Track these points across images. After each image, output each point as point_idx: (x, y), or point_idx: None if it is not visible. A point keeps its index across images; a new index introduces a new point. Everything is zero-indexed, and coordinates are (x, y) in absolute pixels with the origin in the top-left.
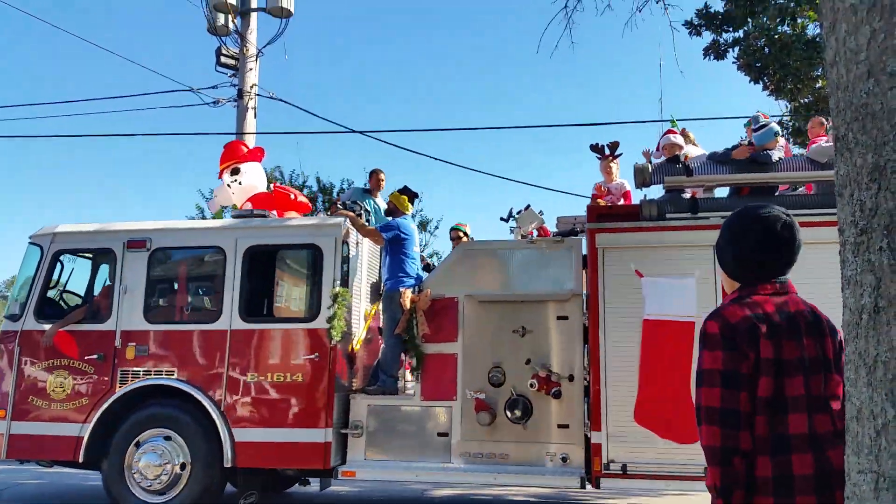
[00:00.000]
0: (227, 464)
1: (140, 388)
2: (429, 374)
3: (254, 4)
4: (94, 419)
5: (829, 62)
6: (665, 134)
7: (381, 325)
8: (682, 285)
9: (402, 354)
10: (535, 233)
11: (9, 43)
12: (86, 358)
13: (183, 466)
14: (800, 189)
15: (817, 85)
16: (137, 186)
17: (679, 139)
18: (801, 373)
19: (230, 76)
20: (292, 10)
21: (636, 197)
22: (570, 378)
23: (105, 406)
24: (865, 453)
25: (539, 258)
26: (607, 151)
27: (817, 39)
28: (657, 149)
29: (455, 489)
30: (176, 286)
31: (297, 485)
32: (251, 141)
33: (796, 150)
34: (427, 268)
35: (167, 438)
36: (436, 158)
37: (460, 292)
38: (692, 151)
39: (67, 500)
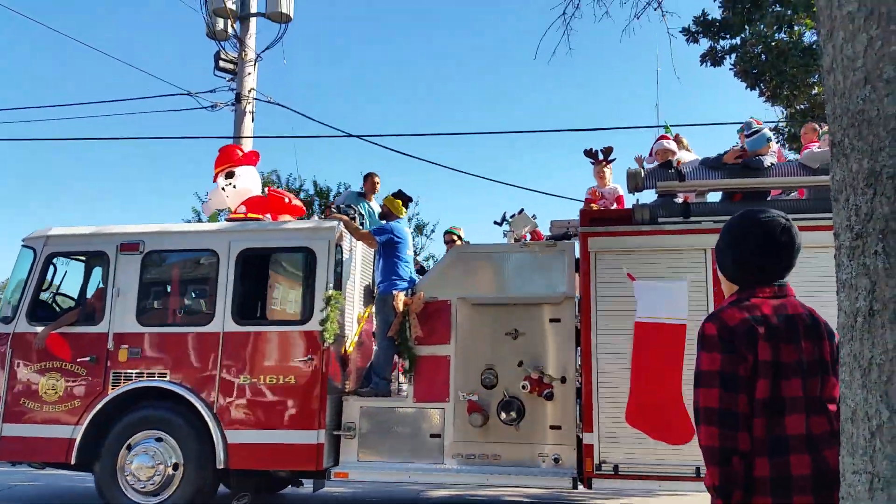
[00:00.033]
0: (220, 465)
1: (132, 391)
2: (421, 376)
3: (253, 9)
4: (87, 421)
5: (827, 69)
6: (658, 139)
7: (374, 327)
8: (674, 288)
9: (396, 357)
10: (529, 236)
11: (8, 44)
12: (78, 360)
13: (176, 468)
14: (792, 194)
15: (813, 91)
16: (134, 189)
17: (672, 145)
18: (798, 375)
19: (228, 80)
20: (292, 15)
21: (629, 201)
22: (563, 380)
23: (97, 408)
24: (860, 454)
25: (532, 261)
26: (601, 156)
27: (814, 47)
28: (650, 154)
29: (451, 490)
30: (169, 289)
31: (290, 486)
32: (249, 145)
33: (792, 156)
34: (421, 271)
35: (158, 440)
36: (432, 162)
37: (453, 295)
38: (685, 157)
39: (63, 502)
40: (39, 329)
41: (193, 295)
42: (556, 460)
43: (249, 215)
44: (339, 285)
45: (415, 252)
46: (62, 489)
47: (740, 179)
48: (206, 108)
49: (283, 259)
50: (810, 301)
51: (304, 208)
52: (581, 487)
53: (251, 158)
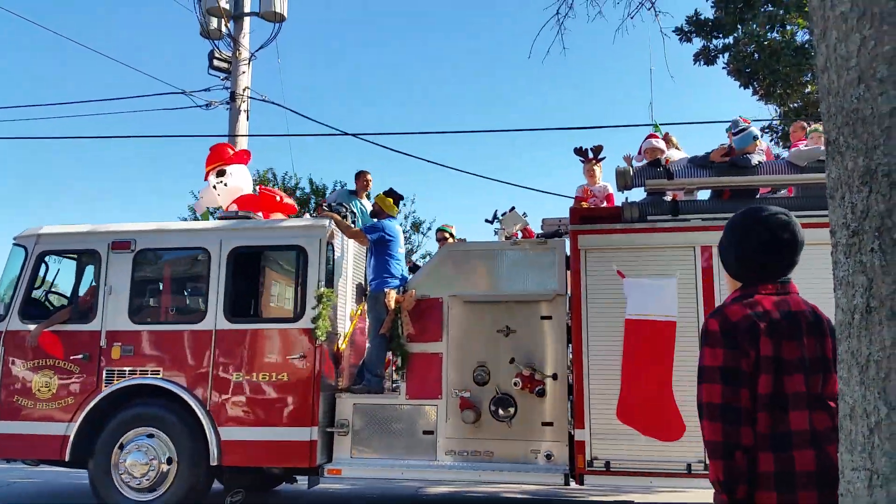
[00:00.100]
0: (214, 462)
1: (126, 388)
2: (414, 373)
3: (247, 9)
4: (80, 418)
5: (821, 68)
6: (647, 138)
7: (366, 325)
8: (663, 286)
9: (389, 354)
10: (520, 234)
11: (7, 44)
12: (71, 358)
13: (169, 464)
14: (781, 192)
15: (806, 90)
16: (129, 188)
17: (660, 143)
18: (801, 371)
19: (223, 79)
20: (286, 14)
21: (619, 200)
22: (554, 377)
23: (91, 405)
24: (859, 451)
25: (523, 259)
26: (591, 155)
27: (806, 46)
28: (639, 152)
29: (448, 487)
30: (161, 287)
31: (284, 483)
32: (244, 143)
33: (785, 154)
34: (413, 268)
35: (152, 437)
36: (428, 161)
37: (445, 293)
38: (675, 155)
39: (61, 499)
40: (32, 327)
41: (185, 293)
42: (549, 457)
43: (240, 213)
44: (330, 283)
45: (412, 250)
46: (61, 486)
47: (728, 178)
48: (200, 106)
49: (274, 257)
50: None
51: (296, 206)
52: (573, 484)
53: (242, 157)
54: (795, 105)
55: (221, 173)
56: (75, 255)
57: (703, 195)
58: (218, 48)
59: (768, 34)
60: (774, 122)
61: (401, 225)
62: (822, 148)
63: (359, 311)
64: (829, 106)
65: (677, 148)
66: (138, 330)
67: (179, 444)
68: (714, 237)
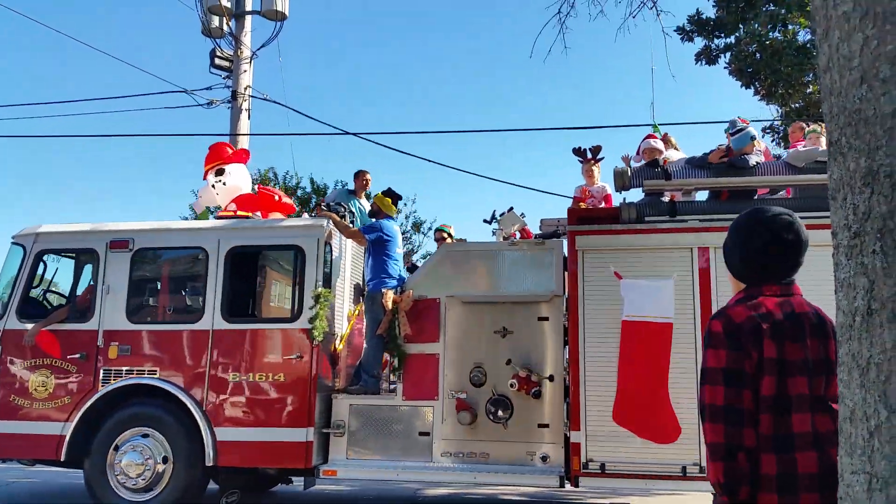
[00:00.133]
0: (209, 462)
1: (123, 388)
2: (411, 374)
3: (248, 7)
4: (77, 418)
5: (823, 68)
6: (645, 138)
7: (363, 325)
8: (660, 287)
9: (386, 355)
10: (518, 235)
11: (6, 43)
12: (68, 357)
13: (165, 464)
14: (780, 193)
15: (808, 90)
16: (129, 188)
17: (659, 144)
18: (804, 373)
19: (224, 78)
20: (287, 13)
21: (617, 200)
22: (551, 378)
23: (87, 405)
24: (858, 454)
25: (520, 260)
26: (589, 155)
27: (808, 45)
28: (637, 153)
29: (447, 489)
30: (159, 286)
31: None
32: (245, 142)
33: (785, 155)
34: (412, 269)
35: (148, 437)
36: (428, 160)
37: (442, 293)
38: (674, 156)
39: (60, 499)
40: (30, 326)
41: (183, 292)
42: (544, 458)
43: (239, 213)
44: (328, 283)
45: (412, 251)
46: (59, 486)
47: (726, 178)
48: (202, 105)
49: (272, 257)
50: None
51: (295, 206)
52: (568, 486)
53: (241, 156)
54: (797, 105)
55: (220, 172)
56: (73, 255)
57: (702, 196)
58: (219, 47)
59: (770, 34)
60: (776, 123)
61: (401, 225)
62: (820, 149)
63: (356, 312)
64: (832, 106)
65: (676, 148)
66: (136, 329)
67: (175, 444)
68: (711, 238)
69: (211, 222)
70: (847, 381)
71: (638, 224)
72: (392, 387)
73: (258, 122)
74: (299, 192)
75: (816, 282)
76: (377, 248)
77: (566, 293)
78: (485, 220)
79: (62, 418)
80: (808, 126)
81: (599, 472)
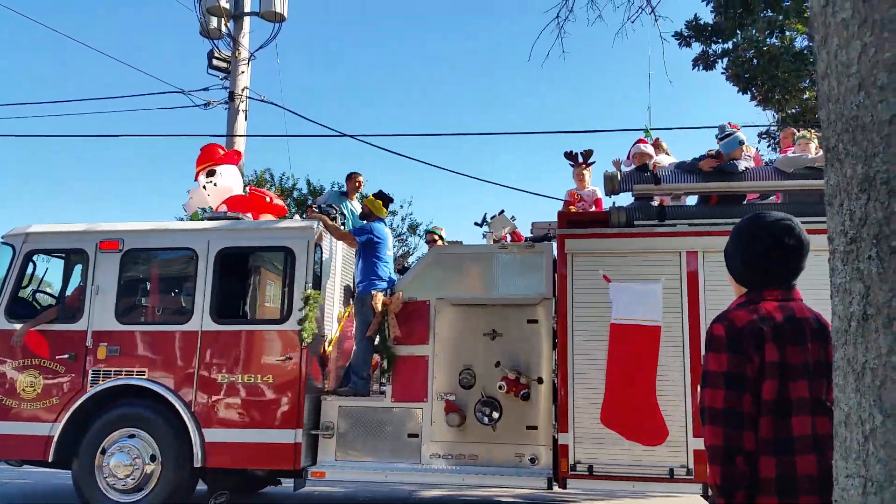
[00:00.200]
0: (197, 464)
1: (111, 388)
2: (400, 376)
3: (247, 8)
4: (65, 419)
5: (821, 74)
6: (636, 143)
7: (353, 327)
8: (649, 290)
9: (376, 356)
10: (509, 237)
11: (5, 43)
12: (57, 358)
13: (153, 464)
14: (770, 198)
15: (804, 96)
16: (129, 188)
17: (649, 149)
18: (805, 377)
19: (222, 79)
20: (286, 14)
21: (607, 204)
22: (539, 380)
23: (76, 406)
24: (853, 458)
25: (510, 263)
26: (581, 159)
27: (805, 52)
28: (628, 157)
29: (440, 490)
30: (148, 287)
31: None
32: (242, 143)
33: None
34: (402, 270)
35: (136, 437)
36: (424, 162)
37: (432, 295)
38: (664, 160)
39: (52, 499)
40: (18, 326)
41: (172, 293)
42: (533, 460)
43: (229, 214)
44: (318, 285)
45: (408, 253)
46: (52, 487)
47: (715, 183)
48: (199, 106)
49: (262, 258)
50: None
51: (286, 207)
52: (556, 487)
53: (232, 157)
54: (794, 111)
55: (211, 173)
56: (63, 255)
57: (692, 200)
58: (217, 48)
59: (767, 40)
60: (772, 128)
61: (397, 227)
62: (808, 155)
63: (346, 313)
64: (829, 113)
65: (667, 153)
66: (125, 330)
67: (164, 445)
68: (700, 242)
69: (200, 223)
70: (842, 385)
71: (627, 228)
72: (381, 389)
73: (255, 124)
74: (295, 194)
75: (808, 286)
76: (367, 250)
77: (556, 296)
78: (476, 223)
79: (50, 419)
80: (798, 132)
81: (587, 473)
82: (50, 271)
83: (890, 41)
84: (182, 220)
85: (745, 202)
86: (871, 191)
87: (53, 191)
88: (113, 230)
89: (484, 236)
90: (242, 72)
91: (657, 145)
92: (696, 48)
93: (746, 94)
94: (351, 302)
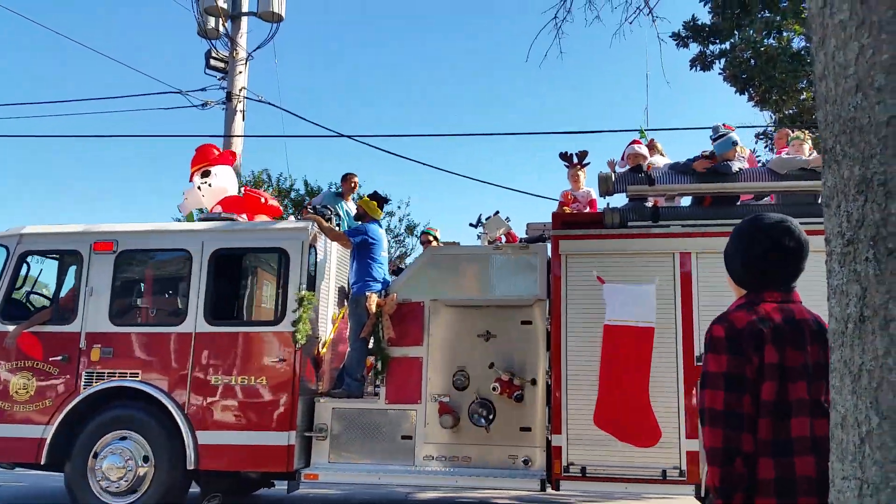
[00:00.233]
0: (191, 466)
1: (105, 390)
2: (394, 377)
3: (245, 9)
4: (58, 421)
5: (819, 76)
6: (630, 144)
7: (347, 328)
8: (643, 292)
9: (371, 358)
10: (504, 238)
11: (5, 43)
12: (50, 359)
13: (146, 461)
14: (764, 199)
15: (802, 97)
16: (129, 188)
17: (643, 149)
18: (804, 379)
19: (219, 79)
20: (283, 14)
21: (602, 205)
22: (533, 382)
23: (69, 408)
24: (850, 460)
25: (505, 264)
26: (575, 160)
27: (802, 52)
28: (622, 158)
29: (438, 492)
30: (142, 288)
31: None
32: (239, 144)
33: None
34: (397, 272)
35: (129, 440)
36: (422, 163)
37: (426, 297)
38: (659, 161)
39: (51, 500)
40: (11, 328)
41: (166, 295)
42: (526, 462)
43: (223, 215)
44: (312, 286)
45: (405, 254)
46: (50, 489)
47: (707, 184)
48: (196, 106)
49: (256, 259)
50: None
51: (281, 208)
52: (549, 489)
53: (227, 158)
54: (791, 111)
55: (206, 174)
56: (57, 256)
57: (686, 202)
58: (215, 48)
59: (765, 40)
60: (770, 129)
61: (395, 227)
62: (801, 157)
63: (341, 315)
64: (827, 114)
65: (662, 154)
66: (118, 332)
67: (157, 447)
68: (693, 244)
69: (194, 224)
70: (839, 387)
71: (621, 229)
72: (375, 390)
73: (253, 124)
74: (293, 195)
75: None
76: (362, 252)
77: (550, 297)
78: (470, 224)
79: (43, 421)
80: (792, 133)
81: (580, 475)
82: (44, 272)
83: (888, 43)
84: (180, 220)
85: (738, 203)
86: (869, 192)
87: (53, 191)
88: (107, 231)
89: (478, 237)
90: (240, 72)
91: (652, 146)
92: (694, 49)
93: (744, 94)
94: (345, 303)
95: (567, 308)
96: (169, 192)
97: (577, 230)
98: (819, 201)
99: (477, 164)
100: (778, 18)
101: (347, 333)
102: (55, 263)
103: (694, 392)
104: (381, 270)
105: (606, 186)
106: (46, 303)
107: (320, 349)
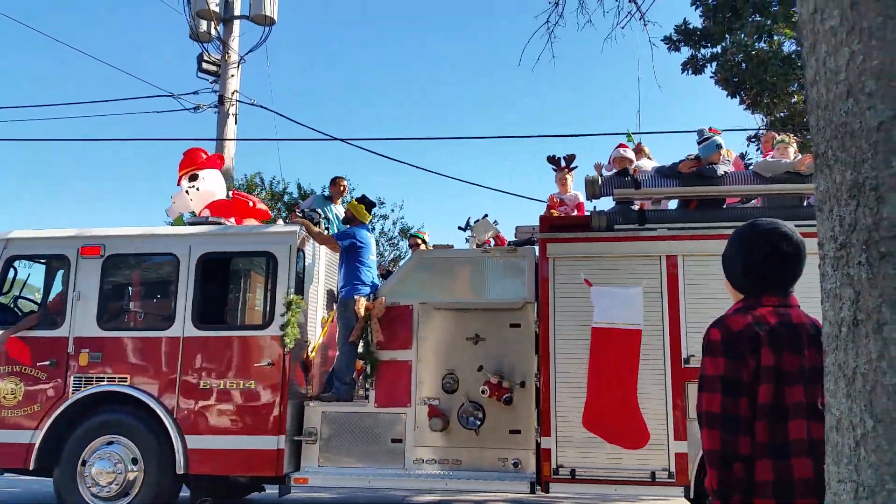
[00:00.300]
0: (180, 470)
1: (93, 395)
2: (383, 381)
3: (237, 12)
4: (46, 426)
5: (810, 81)
6: (617, 147)
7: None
8: (629, 294)
9: (360, 361)
10: (492, 242)
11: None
12: (38, 364)
13: (135, 472)
14: (751, 202)
15: (793, 100)
16: (129, 188)
17: (629, 153)
18: (801, 382)
19: (211, 82)
20: (275, 17)
21: (589, 209)
22: (522, 384)
23: (57, 412)
24: (845, 463)
25: (493, 267)
26: (563, 163)
27: (793, 56)
28: (609, 161)
29: (436, 496)
30: (130, 293)
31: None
32: (232, 147)
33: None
34: (386, 275)
35: (118, 445)
36: (415, 166)
37: (415, 300)
38: (646, 165)
39: None
40: None
41: (154, 299)
42: (516, 464)
43: (211, 219)
44: (300, 290)
45: (400, 257)
46: (45, 495)
47: (692, 188)
48: (188, 109)
49: (244, 263)
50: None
51: (269, 212)
52: (539, 491)
53: (215, 161)
54: (782, 115)
55: (194, 178)
56: (45, 261)
57: (673, 204)
58: (207, 51)
59: (756, 44)
60: (761, 132)
61: (388, 231)
62: (787, 160)
63: (330, 318)
64: (818, 119)
65: (649, 157)
66: (106, 336)
67: (146, 451)
68: (680, 246)
69: (182, 228)
70: (833, 390)
71: (608, 232)
72: (365, 394)
73: (246, 127)
74: (286, 198)
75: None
76: (350, 255)
77: (538, 300)
78: (459, 227)
79: (32, 426)
80: (778, 136)
81: (570, 477)
82: (32, 277)
83: (878, 49)
84: (171, 224)
85: (725, 206)
86: (861, 197)
87: (53, 191)
88: (94, 235)
89: (467, 240)
90: (232, 75)
91: (639, 150)
92: (685, 52)
93: (735, 97)
94: (334, 307)
95: (555, 311)
96: (168, 193)
97: (565, 233)
98: (805, 204)
99: (476, 164)
100: (769, 22)
101: (336, 337)
102: (43, 268)
103: (682, 393)
104: (370, 274)
105: (593, 190)
106: (34, 307)
107: (309, 353)
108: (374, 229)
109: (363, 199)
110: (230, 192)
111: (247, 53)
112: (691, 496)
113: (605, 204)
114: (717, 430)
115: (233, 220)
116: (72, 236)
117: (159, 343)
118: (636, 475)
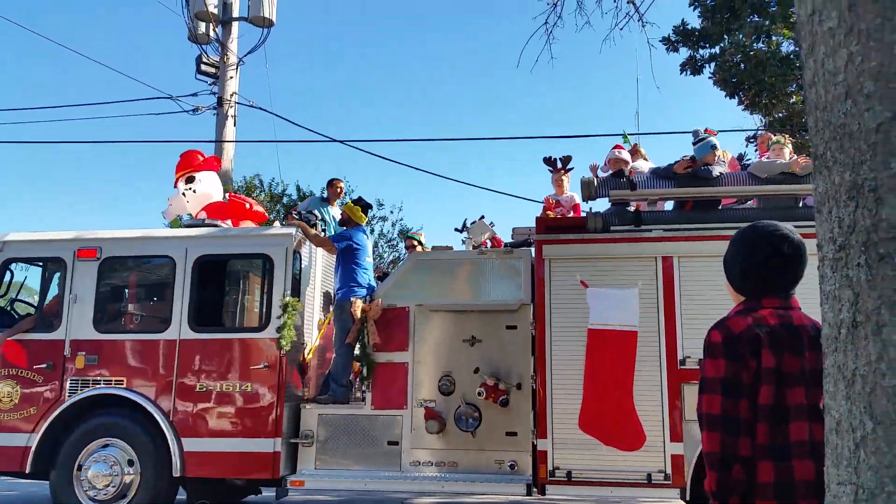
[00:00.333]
0: (176, 473)
1: (90, 398)
2: (379, 383)
3: (235, 14)
4: (43, 429)
5: (808, 83)
6: (612, 149)
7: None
8: (625, 295)
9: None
10: (489, 243)
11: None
12: (35, 367)
13: (132, 475)
14: (748, 203)
15: (791, 100)
16: (114, 193)
17: (625, 154)
18: (802, 384)
19: (210, 84)
20: (274, 19)
21: (585, 210)
22: (518, 386)
23: (54, 415)
24: (845, 465)
25: (489, 268)
26: (559, 165)
27: (791, 56)
28: (605, 163)
29: (437, 498)
30: (126, 295)
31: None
32: (231, 149)
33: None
34: (383, 277)
35: (114, 447)
36: (413, 167)
37: (411, 302)
38: (642, 166)
39: None
40: None
41: (151, 301)
42: (512, 466)
43: (207, 221)
44: (297, 292)
45: (399, 259)
46: (44, 498)
47: (688, 189)
48: (187, 111)
49: (240, 265)
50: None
51: (266, 214)
52: (535, 494)
53: (212, 164)
54: (780, 115)
55: (190, 180)
56: (41, 263)
57: (669, 205)
58: (206, 53)
59: (754, 44)
60: (759, 132)
61: (387, 232)
62: (782, 161)
63: (327, 321)
64: (817, 120)
65: (645, 159)
66: (103, 339)
67: (142, 454)
68: (675, 248)
69: (179, 230)
70: (833, 392)
71: (604, 233)
72: (362, 396)
73: (245, 129)
74: (285, 200)
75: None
76: (347, 257)
77: (534, 301)
78: (456, 229)
79: (28, 429)
80: (773, 137)
81: (566, 479)
82: (28, 280)
83: (876, 50)
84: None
85: (720, 207)
86: (860, 198)
87: (53, 191)
88: (90, 238)
89: (463, 242)
90: (231, 77)
91: (635, 151)
92: (684, 53)
93: (734, 98)
94: (331, 309)
95: (551, 312)
96: (168, 194)
97: (561, 234)
98: (800, 204)
99: (476, 165)
100: (767, 23)
101: (333, 339)
102: (39, 271)
103: (678, 395)
104: (367, 276)
105: (589, 191)
106: (31, 310)
107: (306, 355)
108: (372, 231)
109: (359, 201)
110: (227, 195)
111: (245, 55)
112: (687, 498)
113: (601, 205)
114: (717, 432)
115: (229, 222)
116: (68, 239)
117: (156, 345)
118: (632, 477)
